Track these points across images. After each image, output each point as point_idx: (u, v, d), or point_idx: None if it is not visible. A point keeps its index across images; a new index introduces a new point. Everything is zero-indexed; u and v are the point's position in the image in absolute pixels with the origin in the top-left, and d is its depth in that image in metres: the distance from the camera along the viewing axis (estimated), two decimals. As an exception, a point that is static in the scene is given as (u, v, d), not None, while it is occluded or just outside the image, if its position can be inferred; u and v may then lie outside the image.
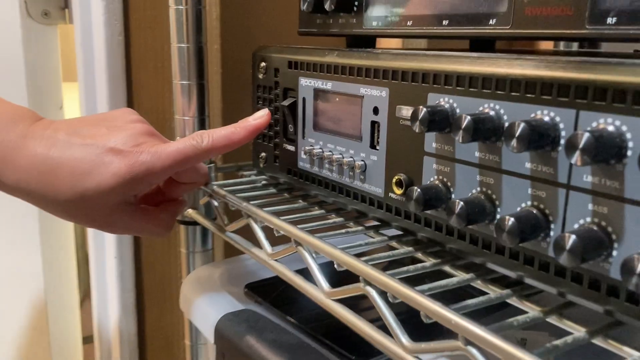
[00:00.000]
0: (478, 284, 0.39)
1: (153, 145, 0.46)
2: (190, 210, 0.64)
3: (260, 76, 0.58)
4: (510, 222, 0.33)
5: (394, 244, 0.46)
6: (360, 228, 0.49)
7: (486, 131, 0.35)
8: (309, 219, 0.52)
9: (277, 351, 0.49)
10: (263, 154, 0.59)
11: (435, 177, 0.40)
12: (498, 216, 0.36)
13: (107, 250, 0.76)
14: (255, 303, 0.59)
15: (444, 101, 0.39)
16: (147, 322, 0.80)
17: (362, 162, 0.46)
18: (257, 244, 0.51)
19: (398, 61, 0.42)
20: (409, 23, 0.47)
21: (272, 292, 0.60)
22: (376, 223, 0.48)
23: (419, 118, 0.37)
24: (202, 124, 0.65)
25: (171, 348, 0.82)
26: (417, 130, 0.38)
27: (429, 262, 0.42)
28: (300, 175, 0.54)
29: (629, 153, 0.29)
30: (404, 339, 0.35)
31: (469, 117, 0.34)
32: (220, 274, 0.64)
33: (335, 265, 0.42)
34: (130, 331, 0.80)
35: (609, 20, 0.33)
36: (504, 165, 0.35)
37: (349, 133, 0.48)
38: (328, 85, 0.49)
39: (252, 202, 0.54)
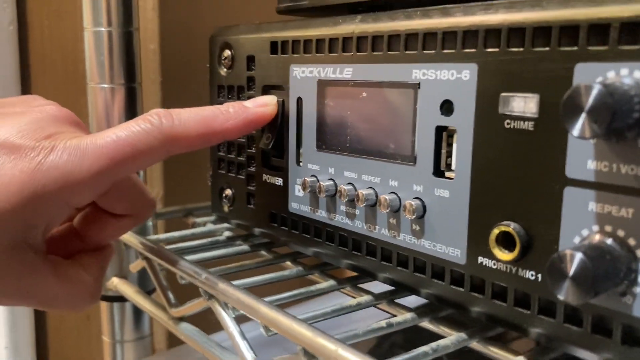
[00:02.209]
0: None
1: (73, 137, 0.26)
2: (115, 280, 0.42)
3: (224, 72, 0.37)
4: None
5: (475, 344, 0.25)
6: (408, 317, 0.28)
7: None
8: (311, 296, 0.31)
9: None
10: (228, 191, 0.38)
11: (598, 227, 0.20)
12: None
13: (-3, 335, 0.53)
14: None
15: (618, 76, 0.19)
16: None
17: (419, 202, 0.26)
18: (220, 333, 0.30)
19: (497, 13, 0.23)
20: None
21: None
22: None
23: (588, 108, 0.18)
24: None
25: None
26: (585, 135, 0.18)
27: None
28: (294, 224, 0.34)
29: None
30: None
31: None
32: (163, 375, 0.42)
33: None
34: None
35: None
36: None
37: (389, 152, 0.27)
38: (346, 72, 0.29)
39: (214, 270, 0.33)
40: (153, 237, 0.40)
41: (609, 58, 0.20)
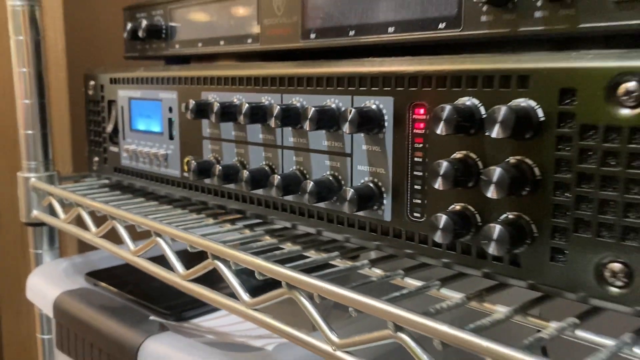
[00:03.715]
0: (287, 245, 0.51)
1: None
2: (35, 212, 0.73)
3: (90, 92, 0.69)
4: (246, 174, 0.46)
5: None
6: (169, 206, 0.61)
7: (232, 115, 0.48)
8: (128, 203, 0.63)
9: (104, 312, 0.59)
10: (96, 158, 0.70)
11: (211, 154, 0.53)
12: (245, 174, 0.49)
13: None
14: (93, 286, 0.69)
15: (211, 97, 0.52)
16: (3, 325, 0.87)
17: (164, 152, 0.59)
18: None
19: (182, 71, 0.56)
20: (200, 44, 0.60)
21: (108, 277, 0.70)
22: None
23: (190, 108, 0.50)
24: (44, 139, 0.74)
25: (29, 347, 0.88)
26: (190, 117, 0.51)
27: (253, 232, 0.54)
28: (124, 171, 0.66)
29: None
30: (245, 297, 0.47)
31: (218, 104, 0.48)
32: (65, 266, 0.73)
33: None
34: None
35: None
36: (249, 138, 0.49)
37: (155, 130, 0.60)
38: (138, 93, 0.61)
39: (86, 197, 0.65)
40: (57, 186, 0.71)
41: (210, 90, 0.52)
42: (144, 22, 0.65)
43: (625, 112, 0.28)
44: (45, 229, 0.76)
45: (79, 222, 0.64)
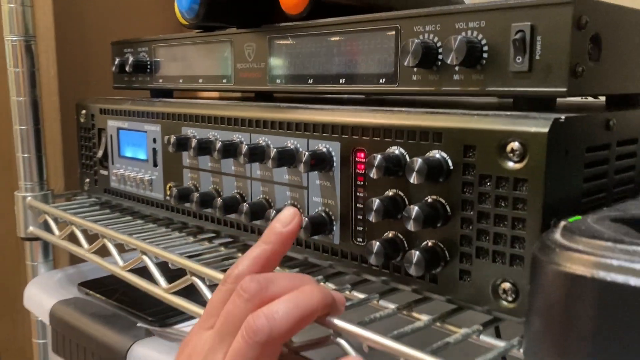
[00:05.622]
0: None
1: None
2: (31, 228, 0.80)
3: (82, 120, 0.76)
4: (219, 202, 0.54)
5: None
6: (143, 222, 0.68)
7: (208, 150, 0.56)
8: (117, 222, 0.70)
9: (96, 320, 0.67)
10: (87, 179, 0.77)
11: (190, 182, 0.61)
12: (219, 202, 0.57)
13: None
14: (85, 295, 0.76)
15: (190, 132, 0.60)
16: (0, 332, 0.93)
17: (149, 177, 0.66)
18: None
19: (165, 107, 0.63)
20: (181, 81, 0.68)
21: (99, 286, 0.78)
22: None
23: (172, 142, 0.58)
24: (39, 161, 0.81)
25: (24, 352, 0.95)
26: (171, 151, 0.58)
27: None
28: (113, 192, 0.73)
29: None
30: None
31: (196, 141, 0.55)
32: (59, 277, 0.80)
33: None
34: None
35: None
36: (223, 170, 0.57)
37: (141, 158, 0.67)
38: (126, 124, 0.69)
39: (78, 216, 0.72)
40: (51, 205, 0.78)
41: (189, 126, 0.60)
42: (131, 58, 0.73)
43: (511, 165, 0.36)
44: (40, 243, 0.83)
45: (72, 237, 0.72)
